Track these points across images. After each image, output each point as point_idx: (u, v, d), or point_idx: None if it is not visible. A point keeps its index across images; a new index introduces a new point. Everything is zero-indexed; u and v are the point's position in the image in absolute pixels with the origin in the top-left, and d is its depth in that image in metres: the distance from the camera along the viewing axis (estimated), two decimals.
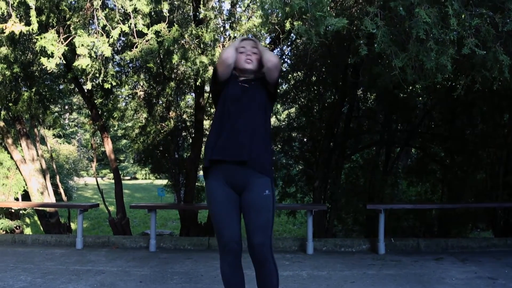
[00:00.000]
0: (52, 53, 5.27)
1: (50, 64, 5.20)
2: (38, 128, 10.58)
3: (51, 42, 5.30)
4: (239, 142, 3.06)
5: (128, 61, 7.65)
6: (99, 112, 9.01)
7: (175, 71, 8.83)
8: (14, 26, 5.07)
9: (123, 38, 6.74)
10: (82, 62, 5.26)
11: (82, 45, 5.19)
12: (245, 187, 3.09)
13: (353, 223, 10.05)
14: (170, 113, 9.34)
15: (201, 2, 6.85)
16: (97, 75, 5.87)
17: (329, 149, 8.92)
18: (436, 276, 5.10)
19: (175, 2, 7.54)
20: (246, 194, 3.10)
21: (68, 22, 5.81)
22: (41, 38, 5.31)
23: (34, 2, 5.17)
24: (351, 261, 5.99)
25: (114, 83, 6.34)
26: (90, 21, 5.76)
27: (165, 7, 5.72)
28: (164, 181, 10.82)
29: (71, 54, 6.52)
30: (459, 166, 9.04)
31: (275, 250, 6.23)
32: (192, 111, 9.69)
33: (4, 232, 9.18)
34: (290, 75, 9.89)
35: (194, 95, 9.23)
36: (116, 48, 7.35)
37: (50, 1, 5.68)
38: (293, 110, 10.82)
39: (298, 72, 9.72)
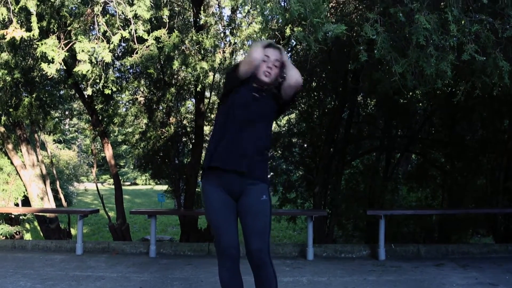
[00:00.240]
0: (52, 58, 5.28)
1: (50, 70, 5.21)
2: (39, 133, 10.60)
3: (52, 48, 5.31)
4: (241, 152, 3.05)
5: (129, 67, 7.68)
6: (100, 118, 9.01)
7: (175, 77, 8.85)
8: (15, 32, 5.08)
9: (123, 44, 6.77)
10: (83, 67, 5.27)
11: (83, 50, 5.20)
12: (242, 193, 3.10)
13: (353, 229, 10.04)
14: (171, 118, 9.35)
15: (202, 8, 6.88)
16: (98, 80, 5.88)
17: (329, 155, 8.92)
18: (436, 282, 5.08)
19: (176, 8, 7.58)
20: (243, 199, 3.10)
21: (68, 28, 5.82)
22: (41, 44, 5.32)
23: (35, 8, 5.19)
24: (351, 267, 5.97)
25: (114, 89, 6.35)
26: (91, 27, 5.78)
27: (166, 13, 5.74)
28: (164, 187, 10.83)
29: (71, 59, 6.54)
30: (459, 171, 9.04)
31: (275, 256, 6.24)
32: (192, 117, 9.70)
33: (4, 237, 9.17)
34: None
35: (194, 100, 9.24)
36: (116, 54, 7.37)
37: (51, 7, 5.70)
38: (293, 116, 10.83)
39: None
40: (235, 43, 7.03)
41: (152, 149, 9.35)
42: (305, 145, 10.32)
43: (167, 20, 5.90)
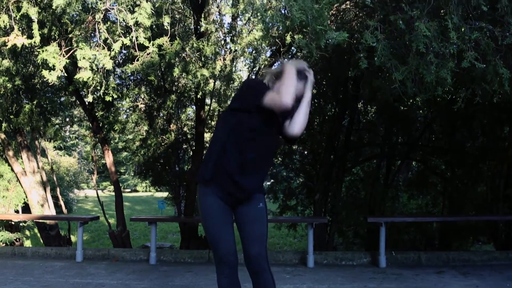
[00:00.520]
0: (53, 65, 5.30)
1: (51, 77, 5.22)
2: (39, 140, 10.60)
3: (53, 55, 5.33)
4: (247, 181, 3.07)
5: (129, 74, 7.69)
6: (100, 125, 9.02)
7: (176, 84, 8.86)
8: (17, 39, 5.10)
9: (124, 51, 6.78)
10: (84, 74, 5.28)
11: (84, 58, 5.22)
12: (239, 202, 3.13)
13: (353, 236, 10.03)
14: (171, 125, 9.36)
15: (202, 16, 6.90)
16: (98, 87, 5.89)
17: (329, 162, 8.92)
18: None
19: (176, 16, 7.59)
20: (241, 207, 3.13)
21: (70, 35, 5.84)
22: (43, 51, 5.34)
23: (36, 15, 5.21)
24: (352, 274, 5.96)
25: (115, 96, 6.36)
26: (92, 34, 5.80)
27: (166, 20, 5.76)
28: (165, 194, 10.82)
29: (72, 66, 6.56)
30: (460, 179, 9.04)
31: (275, 263, 6.24)
32: (192, 123, 9.71)
33: (4, 244, 9.15)
34: None
35: (195, 108, 9.25)
36: (117, 61, 7.38)
37: (52, 14, 5.72)
38: None
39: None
40: (235, 50, 7.05)
41: (153, 156, 9.35)
42: (306, 152, 10.32)
43: (168, 28, 5.91)
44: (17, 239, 9.65)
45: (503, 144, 8.51)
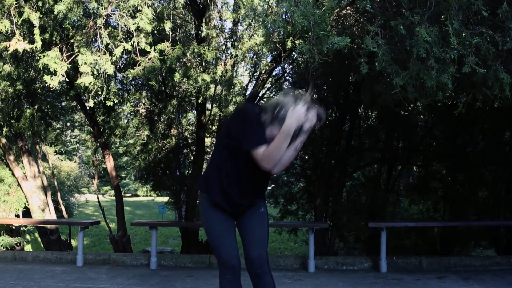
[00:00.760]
0: (55, 70, 5.31)
1: (53, 82, 5.23)
2: (40, 145, 10.60)
3: (54, 60, 5.34)
4: (247, 199, 3.12)
5: (131, 79, 7.70)
6: (101, 129, 9.04)
7: (177, 89, 8.88)
8: (18, 44, 5.11)
9: (125, 56, 6.81)
10: (85, 79, 5.29)
11: (85, 63, 5.23)
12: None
13: (354, 241, 10.01)
14: (172, 130, 9.37)
15: (203, 21, 6.92)
16: (100, 92, 5.90)
17: (330, 167, 8.92)
18: None
19: (177, 21, 7.61)
20: (243, 213, 3.17)
21: (71, 40, 5.86)
22: (44, 56, 5.35)
23: (38, 21, 5.23)
24: (353, 279, 5.95)
25: (116, 101, 6.37)
26: (93, 39, 5.80)
27: (168, 25, 5.77)
28: (165, 198, 10.82)
29: (73, 71, 6.57)
30: (461, 184, 9.03)
31: (276, 268, 6.23)
32: (193, 128, 9.72)
33: (5, 249, 9.14)
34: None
35: (195, 112, 9.27)
36: (118, 66, 7.40)
37: (53, 20, 5.74)
38: None
39: (300, 90, 9.75)
40: (236, 55, 7.06)
41: (153, 161, 9.36)
42: (306, 157, 10.31)
43: (170, 33, 5.92)
44: (18, 244, 9.64)
45: (504, 149, 8.50)
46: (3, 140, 9.00)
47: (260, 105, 2.86)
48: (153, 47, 5.65)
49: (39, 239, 10.44)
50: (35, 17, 5.23)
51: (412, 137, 9.46)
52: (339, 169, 9.14)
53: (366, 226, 7.30)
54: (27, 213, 9.70)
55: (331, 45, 4.24)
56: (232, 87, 7.90)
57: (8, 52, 5.47)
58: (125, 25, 5.28)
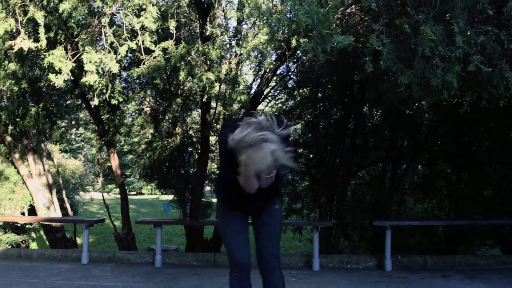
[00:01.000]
0: (60, 69, 5.32)
1: (58, 80, 5.25)
2: (45, 143, 10.63)
3: (59, 59, 5.36)
4: (257, 205, 3.16)
5: (135, 78, 7.71)
6: (106, 128, 9.05)
7: (181, 87, 8.88)
8: (23, 42, 5.13)
9: (130, 55, 6.81)
10: (90, 78, 5.30)
11: (90, 61, 5.24)
12: None
13: (359, 239, 9.99)
14: (176, 129, 9.36)
15: (208, 20, 6.91)
16: (104, 91, 5.92)
17: (335, 165, 8.91)
18: None
19: (182, 20, 7.61)
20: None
21: (76, 39, 5.87)
22: (49, 54, 5.37)
23: (42, 19, 5.25)
24: (358, 278, 5.95)
25: (121, 99, 6.39)
26: (98, 38, 5.82)
27: (172, 24, 5.78)
28: (170, 197, 10.82)
29: (78, 70, 6.58)
30: (466, 182, 9.00)
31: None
32: (198, 127, 9.72)
33: (10, 246, 9.18)
34: (296, 92, 9.92)
35: (200, 111, 9.26)
36: (123, 65, 7.41)
37: (58, 18, 5.75)
38: (299, 126, 10.82)
39: (304, 89, 9.75)
40: (241, 54, 7.05)
41: (158, 159, 9.36)
42: (311, 156, 10.30)
43: (174, 31, 5.93)
44: (23, 241, 9.68)
45: (510, 147, 8.45)
46: (9, 138, 9.03)
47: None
48: (157, 45, 5.65)
49: (44, 237, 10.48)
50: (40, 16, 5.25)
51: (417, 136, 9.44)
52: (343, 167, 9.13)
53: (371, 225, 7.28)
54: (32, 211, 9.73)
55: (335, 44, 4.24)
56: (237, 85, 7.88)
57: (13, 51, 5.50)
58: (129, 24, 5.29)
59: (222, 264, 6.80)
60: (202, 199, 9.35)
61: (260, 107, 10.46)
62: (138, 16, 5.22)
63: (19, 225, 9.57)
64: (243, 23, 7.83)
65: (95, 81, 5.40)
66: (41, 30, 5.27)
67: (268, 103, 11.42)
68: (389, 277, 5.98)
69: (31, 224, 10.01)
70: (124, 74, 7.84)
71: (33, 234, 12.11)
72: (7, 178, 9.51)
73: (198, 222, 8.45)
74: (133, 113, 10.10)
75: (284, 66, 9.40)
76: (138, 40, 5.35)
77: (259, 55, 7.98)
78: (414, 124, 8.93)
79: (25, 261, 6.99)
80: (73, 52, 5.77)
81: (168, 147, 9.28)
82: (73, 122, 13.01)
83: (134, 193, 42.51)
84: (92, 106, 8.51)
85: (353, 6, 6.30)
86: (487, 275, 5.92)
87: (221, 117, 9.44)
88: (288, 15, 4.49)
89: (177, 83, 8.31)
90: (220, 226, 3.29)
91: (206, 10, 7.21)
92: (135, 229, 10.40)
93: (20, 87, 7.11)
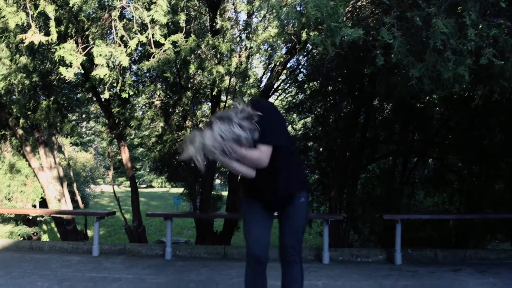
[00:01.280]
0: (70, 62, 5.34)
1: (68, 74, 5.27)
2: (56, 136, 10.70)
3: (70, 52, 5.38)
4: (277, 195, 3.16)
5: (145, 71, 7.73)
6: (116, 121, 9.08)
7: (191, 80, 8.88)
8: (34, 36, 5.15)
9: (140, 48, 6.82)
10: (100, 71, 5.32)
11: (100, 55, 5.25)
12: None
13: (369, 233, 9.97)
14: (187, 122, 9.37)
15: (218, 13, 6.90)
16: (115, 84, 5.94)
17: (345, 159, 8.89)
18: None
19: (192, 13, 7.61)
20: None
21: (86, 33, 5.89)
22: (60, 48, 5.39)
23: (53, 13, 5.26)
24: (367, 271, 5.94)
25: (131, 93, 6.40)
26: (108, 32, 5.83)
27: (182, 17, 5.78)
28: (180, 190, 10.87)
29: (89, 63, 6.60)
30: (477, 176, 8.95)
31: None
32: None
33: (22, 238, 9.27)
34: (306, 85, 9.89)
35: (210, 104, 9.26)
36: (133, 58, 7.42)
37: (69, 12, 5.77)
38: (309, 119, 10.81)
39: (314, 82, 9.71)
40: (251, 47, 7.05)
41: (168, 152, 9.38)
42: (321, 149, 10.29)
43: (184, 25, 5.93)
44: (35, 233, 9.77)
45: None
46: (20, 132, 9.09)
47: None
48: (167, 39, 5.65)
49: (55, 229, 10.56)
50: (50, 10, 5.26)
51: (428, 129, 9.38)
52: (354, 161, 9.11)
53: (381, 218, 7.26)
54: (43, 203, 9.81)
55: (344, 37, 4.22)
56: (247, 79, 7.89)
57: (24, 44, 5.52)
58: (139, 17, 5.30)
59: (232, 256, 6.82)
60: (212, 192, 9.37)
61: (270, 100, 10.45)
62: (148, 9, 5.23)
63: (30, 217, 9.65)
64: (253, 16, 7.82)
65: (106, 74, 5.41)
66: (52, 23, 5.28)
67: (278, 96, 11.41)
68: (399, 270, 5.97)
69: (42, 216, 10.09)
70: (134, 67, 7.85)
71: (44, 227, 12.24)
72: (18, 171, 9.58)
73: (208, 215, 8.47)
74: (144, 107, 10.14)
75: (294, 59, 9.38)
76: (148, 34, 5.35)
77: (269, 49, 7.97)
78: (425, 117, 8.87)
79: (36, 253, 7.04)
80: (84, 46, 5.79)
81: (178, 140, 9.29)
82: (83, 116, 13.08)
83: (145, 186, 42.71)
84: (103, 100, 8.54)
85: None
86: (498, 269, 5.89)
87: None
88: (298, 8, 4.47)
89: (187, 76, 8.32)
90: (242, 217, 3.32)
91: (216, 3, 7.20)
92: (146, 222, 10.46)
93: (31, 80, 7.14)
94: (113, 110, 9.01)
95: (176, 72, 7.90)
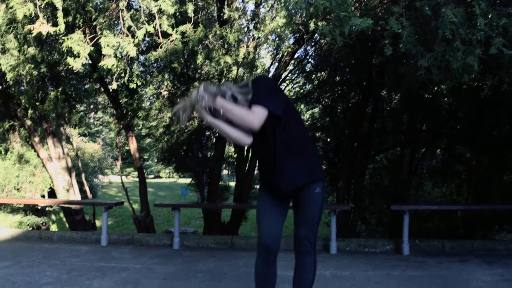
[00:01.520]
0: (78, 53, 5.34)
1: (76, 64, 5.28)
2: (64, 127, 10.76)
3: (77, 43, 5.38)
4: (279, 185, 3.14)
5: (153, 61, 7.73)
6: (124, 112, 9.10)
7: (199, 71, 8.87)
8: (42, 27, 5.15)
9: (148, 39, 6.81)
10: (108, 62, 5.32)
11: (108, 45, 5.25)
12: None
13: (377, 223, 9.97)
14: (194, 112, 9.37)
15: (225, 3, 6.88)
16: (122, 75, 5.94)
17: (353, 150, 8.87)
18: (461, 278, 5.03)
19: (199, 3, 7.57)
20: (298, 193, 3.17)
21: (94, 23, 5.88)
22: (67, 38, 5.39)
23: (61, 4, 5.25)
24: (375, 261, 5.95)
25: (139, 83, 6.40)
26: (116, 22, 5.83)
27: (190, 8, 5.75)
28: (188, 180, 10.90)
29: (96, 54, 6.60)
30: (485, 167, 8.91)
31: None
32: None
33: (31, 228, 9.34)
34: (313, 75, 9.86)
35: None
36: (141, 49, 7.41)
37: (76, 2, 5.76)
38: (316, 110, 10.79)
39: (322, 72, 9.68)
40: (258, 37, 7.03)
41: (176, 143, 9.40)
42: (329, 140, 10.28)
43: (192, 15, 5.91)
44: (44, 223, 9.84)
45: None
46: (28, 122, 9.13)
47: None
48: (175, 29, 5.64)
49: (64, 219, 10.63)
50: (58, 0, 5.26)
51: (436, 120, 9.34)
52: (361, 151, 9.09)
53: (389, 209, 7.25)
54: (52, 193, 9.87)
55: (353, 27, 4.19)
56: (254, 69, 7.87)
57: (32, 35, 5.52)
58: (147, 8, 5.29)
59: (240, 247, 6.84)
60: (220, 183, 9.39)
61: None
62: None
63: (39, 207, 9.72)
64: (261, 6, 7.78)
65: (113, 64, 5.41)
66: (60, 14, 5.28)
67: (285, 86, 11.38)
68: (406, 261, 5.97)
69: (51, 206, 10.17)
70: (141, 58, 7.84)
71: (53, 217, 12.32)
72: (27, 161, 9.64)
73: (215, 205, 8.49)
74: (151, 97, 10.14)
75: (302, 49, 9.34)
76: (156, 24, 5.34)
77: (276, 39, 7.94)
78: (433, 108, 8.83)
79: (45, 243, 7.09)
80: (91, 36, 5.78)
81: (186, 130, 9.30)
82: (91, 106, 13.13)
83: (152, 176, 42.88)
84: (111, 90, 8.55)
85: None
86: (506, 260, 5.88)
87: None
88: None
89: (194, 67, 8.31)
90: (257, 204, 3.33)
91: None
92: (153, 212, 10.51)
93: (40, 71, 7.15)
94: (120, 101, 9.03)
95: (183, 62, 7.89)
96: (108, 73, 6.36)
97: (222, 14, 7.07)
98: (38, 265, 5.55)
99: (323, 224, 10.84)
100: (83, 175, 11.68)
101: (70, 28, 6.10)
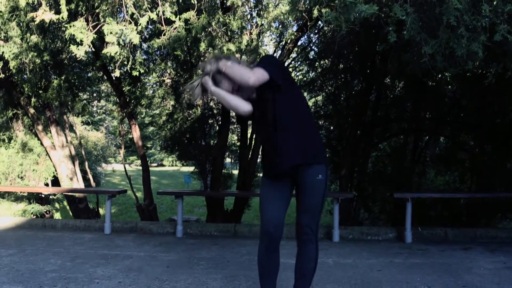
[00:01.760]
0: (81, 41, 5.33)
1: (79, 52, 5.26)
2: (67, 115, 10.75)
3: (80, 30, 5.35)
4: (279, 159, 3.12)
5: (156, 49, 7.67)
6: (127, 100, 9.09)
7: (202, 58, 8.85)
8: (44, 14, 5.13)
9: (151, 26, 6.79)
10: (111, 49, 5.30)
11: (111, 33, 5.23)
12: (299, 173, 3.15)
13: (379, 211, 9.98)
14: (197, 100, 9.36)
15: None
16: (125, 62, 5.92)
17: (356, 137, 8.86)
18: (464, 266, 5.04)
19: None
20: (300, 178, 3.16)
21: (97, 10, 5.85)
22: (70, 26, 5.36)
23: None
24: (378, 249, 5.96)
25: (142, 71, 6.38)
26: (119, 9, 5.79)
27: None
28: (191, 168, 10.90)
29: (99, 42, 6.59)
30: (489, 155, 8.89)
31: None
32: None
33: (35, 216, 9.38)
34: (317, 63, 9.82)
35: None
36: (144, 36, 7.39)
37: None
38: (320, 98, 10.76)
39: (325, 60, 9.65)
40: (262, 24, 6.99)
41: (179, 131, 9.40)
42: (332, 128, 10.26)
43: (195, 2, 5.87)
44: (47, 212, 9.88)
45: None
46: (32, 111, 9.14)
47: None
48: (178, 16, 5.61)
49: (67, 207, 10.67)
50: None
51: (440, 108, 9.31)
52: (364, 139, 9.08)
53: (392, 197, 7.25)
54: (55, 182, 9.90)
55: (358, 13, 4.16)
56: (258, 57, 7.84)
57: (35, 23, 5.50)
58: None
59: (243, 234, 6.87)
60: (223, 171, 9.39)
61: None
62: None
63: (43, 195, 9.75)
64: None
65: (116, 52, 5.39)
66: (62, 1, 5.25)
67: None
68: (409, 249, 5.99)
69: (54, 194, 10.20)
70: (145, 45, 7.82)
71: (56, 205, 12.36)
72: (31, 149, 9.66)
73: (219, 193, 8.51)
74: (154, 85, 10.14)
75: (305, 37, 9.30)
76: (159, 11, 5.32)
77: (280, 26, 7.89)
78: (437, 95, 8.80)
79: (49, 231, 7.13)
80: (94, 24, 5.76)
81: (189, 118, 9.30)
82: (94, 94, 13.12)
83: (155, 164, 42.93)
84: (114, 78, 8.55)
85: None
86: (508, 248, 5.89)
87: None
88: None
89: (197, 54, 8.28)
90: (260, 191, 3.33)
91: None
92: (157, 200, 10.54)
93: (42, 59, 7.14)
94: (124, 89, 9.02)
95: (186, 50, 7.86)
96: (111, 60, 6.35)
97: (225, 1, 7.04)
98: (42, 253, 5.59)
99: (326, 212, 10.87)
100: (86, 164, 11.68)
101: (73, 16, 6.07)
